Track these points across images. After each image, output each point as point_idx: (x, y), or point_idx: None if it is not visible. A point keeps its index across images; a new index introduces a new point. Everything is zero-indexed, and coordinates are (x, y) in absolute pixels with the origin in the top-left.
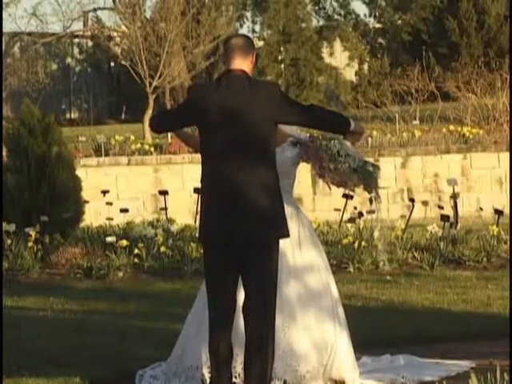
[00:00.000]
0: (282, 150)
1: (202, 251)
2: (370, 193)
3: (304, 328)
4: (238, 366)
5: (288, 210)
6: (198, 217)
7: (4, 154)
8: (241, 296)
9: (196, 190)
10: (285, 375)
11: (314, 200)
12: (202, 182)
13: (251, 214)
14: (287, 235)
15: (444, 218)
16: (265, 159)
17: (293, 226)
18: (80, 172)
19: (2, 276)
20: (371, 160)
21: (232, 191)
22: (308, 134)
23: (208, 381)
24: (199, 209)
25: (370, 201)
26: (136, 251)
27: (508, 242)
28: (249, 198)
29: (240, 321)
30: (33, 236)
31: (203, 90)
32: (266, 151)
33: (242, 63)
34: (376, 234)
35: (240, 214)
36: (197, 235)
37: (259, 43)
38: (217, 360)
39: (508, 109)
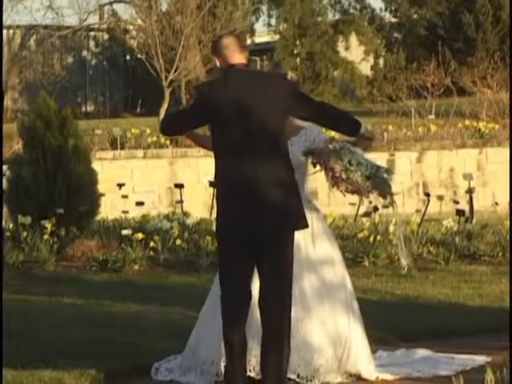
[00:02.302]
0: (291, 144)
1: (217, 244)
2: (385, 199)
3: (318, 321)
4: (253, 360)
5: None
6: (215, 211)
7: (20, 146)
8: (255, 288)
9: (211, 184)
10: (298, 368)
11: (329, 194)
12: (216, 177)
13: (266, 207)
14: (303, 227)
15: (459, 212)
16: (278, 151)
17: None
18: (96, 165)
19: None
20: (384, 161)
21: (247, 185)
22: (321, 129)
23: (223, 374)
24: (215, 204)
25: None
26: (151, 244)
27: None
28: (264, 191)
29: (254, 314)
30: (48, 229)
31: (212, 87)
32: (278, 143)
33: (241, 57)
34: (396, 231)
35: (255, 207)
36: (213, 228)
37: (275, 37)
38: (231, 352)
39: None
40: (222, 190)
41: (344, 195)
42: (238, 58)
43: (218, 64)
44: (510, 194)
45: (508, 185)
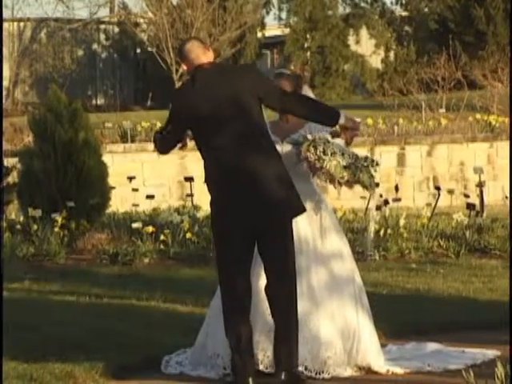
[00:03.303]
0: (299, 136)
1: (215, 241)
2: (367, 189)
3: (327, 315)
4: (260, 353)
5: (310, 198)
6: (210, 210)
7: (30, 139)
8: (256, 282)
9: None
10: (305, 361)
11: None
12: (208, 176)
13: (264, 199)
14: (300, 212)
15: (470, 206)
16: (261, 140)
17: (315, 213)
18: (106, 158)
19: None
20: (395, 154)
21: (241, 179)
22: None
23: (230, 367)
24: (210, 202)
25: (396, 188)
26: (162, 237)
27: None
28: (259, 183)
29: (260, 308)
30: (59, 221)
31: (182, 94)
32: (258, 131)
33: (206, 57)
34: (371, 227)
35: (251, 201)
36: None
37: (285, 30)
38: (239, 345)
39: None
40: (215, 186)
41: (335, 187)
42: (203, 58)
43: (185, 69)
44: (510, 189)
45: None
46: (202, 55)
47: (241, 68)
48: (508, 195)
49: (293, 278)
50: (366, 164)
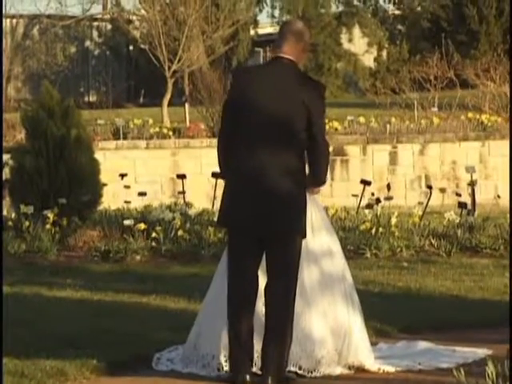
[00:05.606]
0: None
1: (227, 235)
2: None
3: (318, 313)
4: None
5: None
6: (221, 200)
7: (22, 136)
8: (262, 281)
9: (214, 175)
10: (300, 361)
11: (331, 186)
12: (233, 170)
13: (277, 204)
14: (305, 236)
15: (461, 205)
16: (293, 149)
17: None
18: (98, 155)
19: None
20: (387, 153)
21: (259, 179)
22: None
23: (228, 367)
24: (223, 191)
25: (388, 187)
26: (153, 235)
27: None
28: (275, 187)
29: (260, 309)
30: (51, 218)
31: (247, 74)
32: (294, 141)
33: (292, 51)
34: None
35: (266, 202)
36: (215, 219)
37: (277, 28)
38: (240, 341)
39: None
40: (231, 179)
41: None
42: (287, 50)
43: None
44: (510, 188)
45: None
46: (289, 48)
47: (311, 82)
48: (500, 194)
49: (292, 283)
50: None
